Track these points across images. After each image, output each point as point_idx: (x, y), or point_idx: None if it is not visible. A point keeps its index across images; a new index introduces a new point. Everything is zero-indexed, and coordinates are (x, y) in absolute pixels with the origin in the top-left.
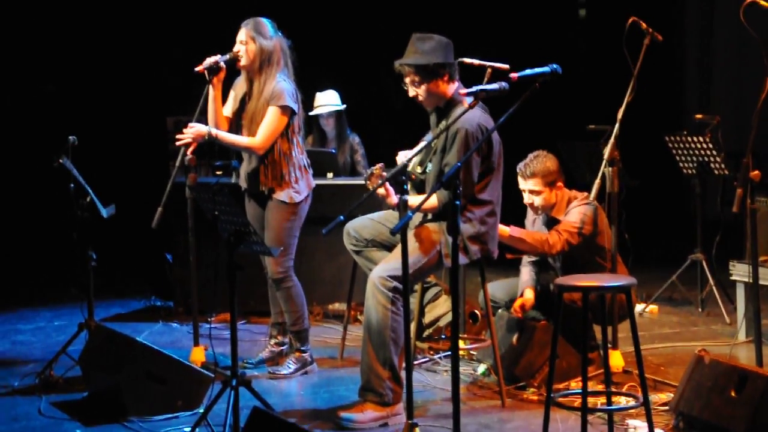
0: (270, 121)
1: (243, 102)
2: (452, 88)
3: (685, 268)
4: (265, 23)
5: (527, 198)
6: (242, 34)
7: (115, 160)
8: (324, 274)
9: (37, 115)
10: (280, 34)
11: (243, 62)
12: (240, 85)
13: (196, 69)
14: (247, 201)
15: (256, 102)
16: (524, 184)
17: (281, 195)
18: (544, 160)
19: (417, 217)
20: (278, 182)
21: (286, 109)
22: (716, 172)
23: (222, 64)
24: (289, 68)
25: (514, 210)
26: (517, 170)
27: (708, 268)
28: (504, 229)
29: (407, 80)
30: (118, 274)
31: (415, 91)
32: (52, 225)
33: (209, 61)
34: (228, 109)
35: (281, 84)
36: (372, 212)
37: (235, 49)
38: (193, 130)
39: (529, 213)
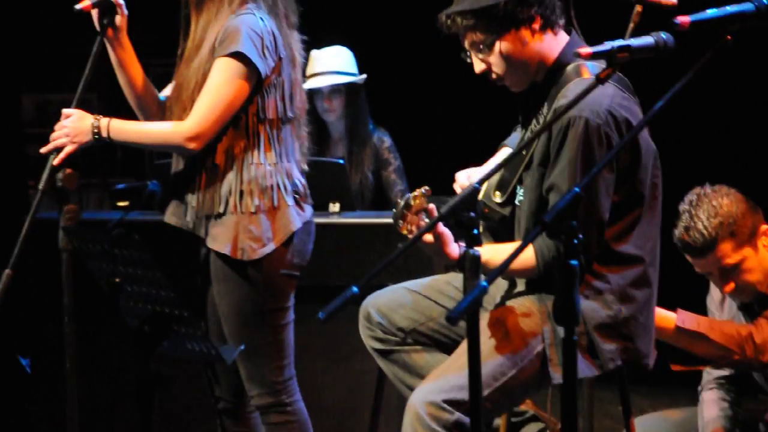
0: (214, 86)
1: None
2: (555, 43)
3: None
4: None
5: (721, 285)
6: None
7: None
8: (324, 397)
9: None
10: None
11: None
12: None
13: (78, 6)
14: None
15: (190, 59)
16: (703, 265)
17: (223, 243)
18: (723, 207)
19: (497, 288)
20: (216, 211)
21: (245, 62)
22: None
23: None
24: (276, 4)
25: (673, 271)
26: (679, 245)
27: None
28: (666, 316)
29: (467, 44)
30: None
31: (484, 61)
32: None
33: None
34: (167, 89)
35: (240, 18)
36: (411, 277)
37: None
38: (70, 121)
39: (713, 288)
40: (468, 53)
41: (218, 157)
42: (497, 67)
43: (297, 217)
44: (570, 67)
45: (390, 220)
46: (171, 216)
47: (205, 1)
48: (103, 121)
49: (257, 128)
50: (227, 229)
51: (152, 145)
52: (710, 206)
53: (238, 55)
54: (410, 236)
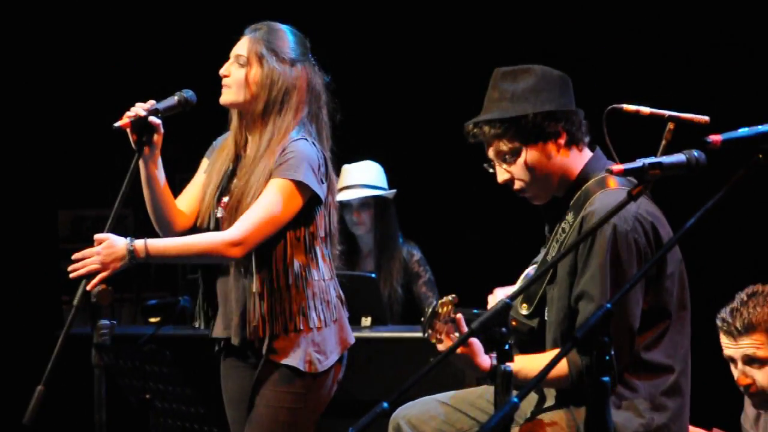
0: (267, 203)
1: (227, 181)
2: (579, 159)
3: None
4: (287, 35)
5: (740, 374)
6: (242, 46)
7: None
8: None
9: None
10: (312, 58)
11: (230, 97)
12: (220, 151)
13: (116, 124)
14: (224, 367)
15: (248, 173)
16: (733, 347)
17: (290, 356)
18: None
19: (528, 402)
20: (283, 328)
21: (302, 189)
22: None
23: (159, 113)
24: (320, 123)
25: (707, 386)
26: (719, 323)
27: None
28: None
29: (491, 153)
30: None
31: (508, 171)
32: None
33: (137, 109)
34: (187, 196)
35: (300, 144)
36: (442, 389)
37: (223, 70)
38: (103, 247)
39: (747, 405)
40: (491, 163)
41: (280, 275)
42: (521, 177)
43: (350, 331)
44: (594, 180)
45: (421, 334)
46: (223, 331)
47: (271, 113)
48: (139, 243)
49: (314, 245)
50: (293, 342)
51: (193, 256)
52: (763, 298)
53: (297, 182)
54: (438, 344)
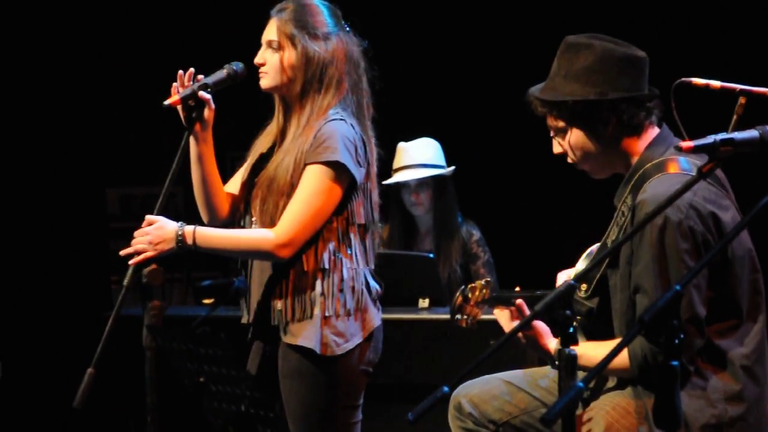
0: (308, 195)
1: (263, 163)
2: (640, 141)
3: None
4: (318, 10)
5: None
6: (272, 30)
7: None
8: None
9: None
10: (347, 27)
11: (268, 82)
12: (265, 137)
13: (166, 102)
14: (254, 353)
15: (282, 158)
16: None
17: (305, 338)
18: None
19: (594, 383)
20: (303, 314)
21: (341, 171)
22: None
23: (209, 89)
24: (361, 92)
25: None
26: None
27: None
28: None
29: (549, 124)
30: None
31: (560, 145)
32: None
33: (188, 88)
34: (233, 184)
35: (333, 124)
36: (503, 368)
37: (257, 59)
38: (153, 228)
39: None
40: (552, 134)
41: (309, 261)
42: (570, 154)
43: (377, 314)
44: (656, 162)
45: (489, 317)
46: (246, 314)
47: (309, 92)
48: (188, 229)
49: (348, 232)
50: (312, 325)
51: (240, 252)
52: None
53: (334, 164)
54: (471, 327)
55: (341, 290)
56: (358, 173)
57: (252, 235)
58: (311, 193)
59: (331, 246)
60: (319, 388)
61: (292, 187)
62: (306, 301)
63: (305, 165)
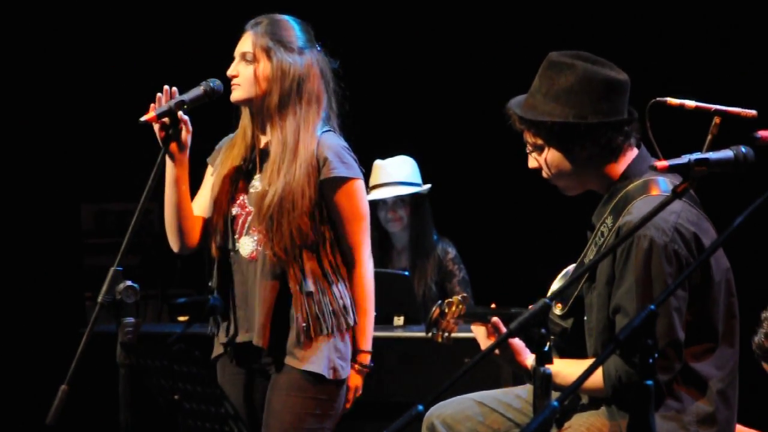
0: (355, 213)
1: (245, 178)
2: (618, 162)
3: None
4: (291, 25)
5: None
6: (247, 43)
7: None
8: None
9: None
10: (317, 47)
11: (241, 93)
12: (229, 151)
13: (142, 119)
14: (226, 372)
15: (282, 176)
16: None
17: (313, 363)
18: None
19: (569, 401)
20: (311, 332)
21: (359, 178)
22: None
23: (185, 106)
24: (333, 112)
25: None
26: (755, 348)
27: None
28: None
29: (526, 139)
30: None
31: (536, 160)
32: None
33: (164, 105)
34: (203, 202)
35: (330, 140)
36: (477, 388)
37: (230, 71)
38: None
39: None
40: (528, 149)
41: (328, 276)
42: (546, 170)
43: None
44: (637, 183)
45: (465, 335)
46: (245, 334)
47: (287, 107)
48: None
49: (335, 246)
50: (317, 348)
51: (372, 309)
52: None
53: (353, 178)
54: (446, 343)
55: (341, 309)
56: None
57: (366, 290)
58: (358, 207)
59: (326, 263)
60: (316, 405)
61: (316, 207)
62: (309, 319)
63: (324, 181)
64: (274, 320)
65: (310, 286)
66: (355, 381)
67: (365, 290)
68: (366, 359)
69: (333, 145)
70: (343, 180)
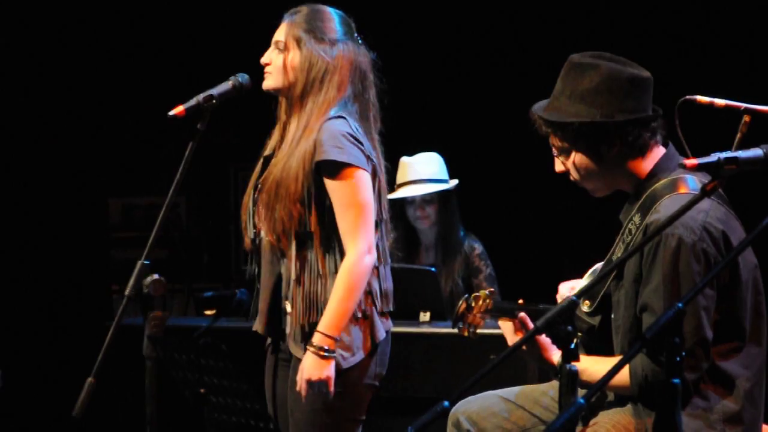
0: (347, 201)
1: (262, 171)
2: (646, 160)
3: None
4: (329, 16)
5: None
6: (281, 31)
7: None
8: None
9: None
10: (358, 39)
11: (270, 82)
12: (269, 141)
13: (171, 113)
14: (269, 362)
15: (284, 161)
16: None
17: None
18: None
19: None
20: (313, 319)
21: (358, 168)
22: None
23: (214, 99)
24: (366, 103)
25: None
26: None
27: None
28: None
29: (552, 143)
30: None
31: (563, 164)
32: None
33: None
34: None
35: (334, 124)
36: (503, 384)
37: (264, 58)
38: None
39: None
40: (554, 151)
41: (320, 264)
42: (574, 173)
43: (382, 326)
44: (665, 182)
45: (491, 330)
46: (260, 324)
47: (309, 94)
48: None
49: (333, 235)
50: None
51: (355, 298)
52: None
53: (350, 165)
54: (472, 337)
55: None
56: (368, 166)
57: (341, 281)
58: (350, 194)
59: (340, 246)
60: (323, 399)
61: (306, 194)
62: (318, 305)
63: (316, 167)
64: (273, 307)
65: (300, 272)
66: (305, 362)
67: (344, 278)
68: (320, 340)
69: (332, 130)
70: (333, 164)
